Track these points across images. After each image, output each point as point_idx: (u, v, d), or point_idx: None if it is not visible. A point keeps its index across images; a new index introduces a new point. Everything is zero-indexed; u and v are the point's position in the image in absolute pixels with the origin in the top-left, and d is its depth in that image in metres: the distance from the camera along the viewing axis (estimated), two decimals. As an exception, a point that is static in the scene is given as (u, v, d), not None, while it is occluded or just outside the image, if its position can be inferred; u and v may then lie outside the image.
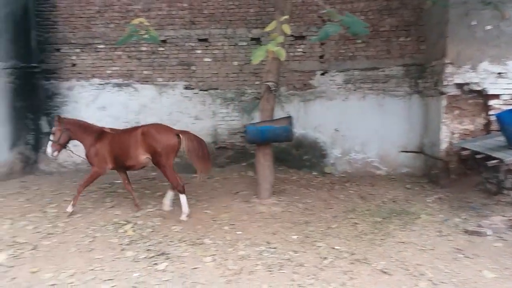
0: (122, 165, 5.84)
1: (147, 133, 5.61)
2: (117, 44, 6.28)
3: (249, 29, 8.48)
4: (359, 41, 8.19)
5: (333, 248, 4.44)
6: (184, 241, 4.68)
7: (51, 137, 5.83)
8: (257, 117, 7.96)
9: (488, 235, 4.68)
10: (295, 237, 4.80)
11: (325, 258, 4.19)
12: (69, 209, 5.70)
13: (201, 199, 6.52)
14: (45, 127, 9.07)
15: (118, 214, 5.76)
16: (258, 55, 4.49)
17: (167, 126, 5.92)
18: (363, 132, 8.28)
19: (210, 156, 6.00)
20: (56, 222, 5.39)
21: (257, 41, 8.46)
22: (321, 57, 8.43)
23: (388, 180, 7.76)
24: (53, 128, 5.85)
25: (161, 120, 8.64)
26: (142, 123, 8.72)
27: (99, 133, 5.87)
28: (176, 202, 5.82)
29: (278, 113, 7.45)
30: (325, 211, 5.84)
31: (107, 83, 8.85)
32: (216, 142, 8.72)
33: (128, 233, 4.98)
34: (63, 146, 5.88)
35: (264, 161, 6.34)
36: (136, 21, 5.33)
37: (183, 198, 5.58)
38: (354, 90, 8.34)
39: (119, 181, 7.85)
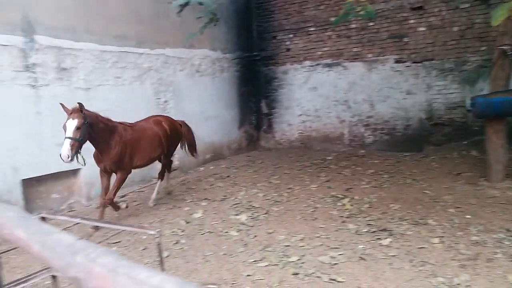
0: (150, 162, 5.57)
1: (172, 125, 5.85)
2: (333, 24, 6.44)
3: (473, -12, 7.38)
4: None
5: None
6: (405, 219, 4.53)
7: (72, 133, 4.20)
8: (482, 88, 6.99)
9: None
10: (545, 227, 4.02)
11: None
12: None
13: (418, 179, 6.16)
14: (264, 108, 10.20)
15: (333, 188, 6.03)
16: (499, 15, 3.89)
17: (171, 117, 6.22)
18: None
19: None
20: (280, 192, 6.03)
21: (483, 0, 7.28)
22: None
23: None
24: (77, 121, 4.21)
25: (369, 97, 8.56)
26: (351, 101, 8.84)
27: (123, 129, 5.01)
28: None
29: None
30: None
31: (317, 64, 9.25)
32: (431, 118, 8.02)
33: (346, 206, 5.15)
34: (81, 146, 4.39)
35: (496, 139, 5.50)
36: (351, -2, 5.34)
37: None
38: None
39: (330, 158, 8.24)
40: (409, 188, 5.72)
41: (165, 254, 4.08)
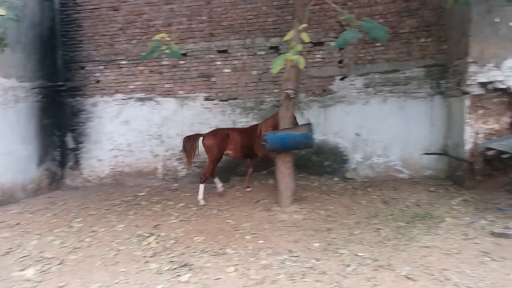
0: None
1: None
2: (140, 60, 6.45)
3: (267, 38, 8.51)
4: (379, 44, 8.07)
5: (356, 255, 4.36)
6: (206, 251, 4.69)
7: None
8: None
9: (517, 237, 4.51)
10: (317, 244, 4.74)
11: (348, 265, 4.12)
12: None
13: (222, 209, 6.53)
14: (70, 143, 9.35)
15: (141, 226, 5.84)
16: (277, 64, 4.55)
17: None
18: (385, 136, 8.13)
19: None
20: (82, 237, 5.49)
21: (275, 49, 8.47)
22: (340, 62, 8.35)
23: (411, 183, 7.56)
24: None
25: (182, 132, 8.79)
26: (164, 135, 8.91)
27: None
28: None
29: (298, 120, 7.42)
30: (347, 218, 5.74)
31: (130, 98, 9.07)
32: (237, 151, 8.72)
33: (152, 245, 5.03)
34: None
35: (284, 169, 6.30)
36: (157, 36, 5.47)
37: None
38: (375, 93, 8.21)
39: (143, 193, 8.05)
40: (214, 219, 5.98)
41: None
